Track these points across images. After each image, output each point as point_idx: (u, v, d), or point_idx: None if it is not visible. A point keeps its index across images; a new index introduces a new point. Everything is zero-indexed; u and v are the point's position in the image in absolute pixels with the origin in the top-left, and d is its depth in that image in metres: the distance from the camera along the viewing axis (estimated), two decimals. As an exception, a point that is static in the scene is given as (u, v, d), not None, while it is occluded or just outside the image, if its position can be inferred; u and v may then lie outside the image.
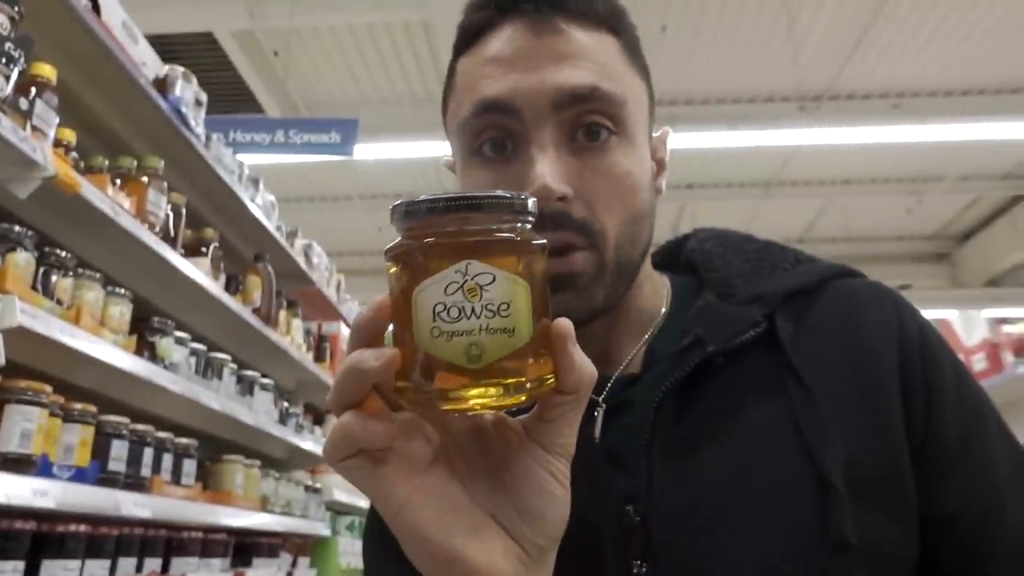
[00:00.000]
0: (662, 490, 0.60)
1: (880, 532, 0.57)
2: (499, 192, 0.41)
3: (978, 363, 5.58)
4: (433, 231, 0.41)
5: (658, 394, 0.62)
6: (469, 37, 0.67)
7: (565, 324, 0.42)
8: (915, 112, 6.52)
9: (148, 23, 5.40)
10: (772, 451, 0.60)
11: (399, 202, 0.42)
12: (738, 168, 8.26)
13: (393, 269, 0.42)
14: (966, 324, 6.66)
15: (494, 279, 0.40)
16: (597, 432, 0.64)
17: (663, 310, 0.71)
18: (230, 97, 7.10)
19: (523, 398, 0.42)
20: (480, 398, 0.41)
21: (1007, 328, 5.35)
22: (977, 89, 7.01)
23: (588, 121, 0.62)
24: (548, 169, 0.59)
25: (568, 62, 0.62)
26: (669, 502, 0.59)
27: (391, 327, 0.43)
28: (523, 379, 0.41)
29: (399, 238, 0.43)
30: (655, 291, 0.72)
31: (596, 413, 0.65)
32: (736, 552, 0.57)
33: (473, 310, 0.39)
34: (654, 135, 0.71)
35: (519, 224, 0.42)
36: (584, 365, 0.43)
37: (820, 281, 0.68)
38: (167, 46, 6.41)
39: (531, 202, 0.42)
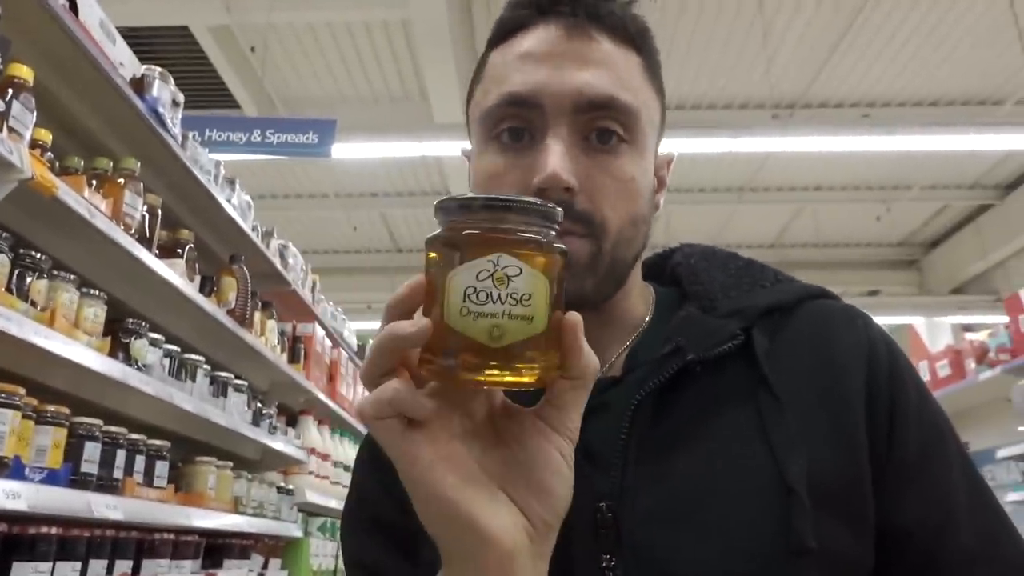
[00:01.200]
0: (634, 489, 0.62)
1: (839, 539, 0.60)
2: (532, 199, 0.47)
3: (942, 369, 5.72)
4: (472, 225, 0.46)
5: (636, 397, 0.65)
6: (506, 32, 0.71)
7: (576, 316, 0.47)
8: (885, 122, 6.67)
9: (123, 16, 5.36)
10: (741, 457, 0.63)
11: (445, 197, 0.47)
12: (712, 173, 8.37)
13: (432, 255, 0.47)
14: (931, 331, 6.82)
15: (520, 272, 0.45)
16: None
17: (647, 318, 0.74)
18: (205, 92, 7.04)
19: (532, 379, 0.47)
20: (496, 374, 0.46)
21: (970, 335, 5.50)
22: (945, 100, 7.19)
23: (602, 126, 0.66)
24: (558, 160, 0.63)
25: (592, 68, 0.66)
26: (640, 501, 0.62)
27: (420, 308, 0.48)
28: (535, 363, 0.46)
29: (440, 229, 0.48)
30: (642, 299, 0.76)
31: None
32: (701, 551, 0.59)
33: (499, 296, 0.45)
34: (660, 154, 0.75)
35: (546, 229, 0.47)
36: (590, 354, 0.48)
37: (797, 300, 0.71)
38: (142, 40, 6.35)
39: (559, 212, 0.48)
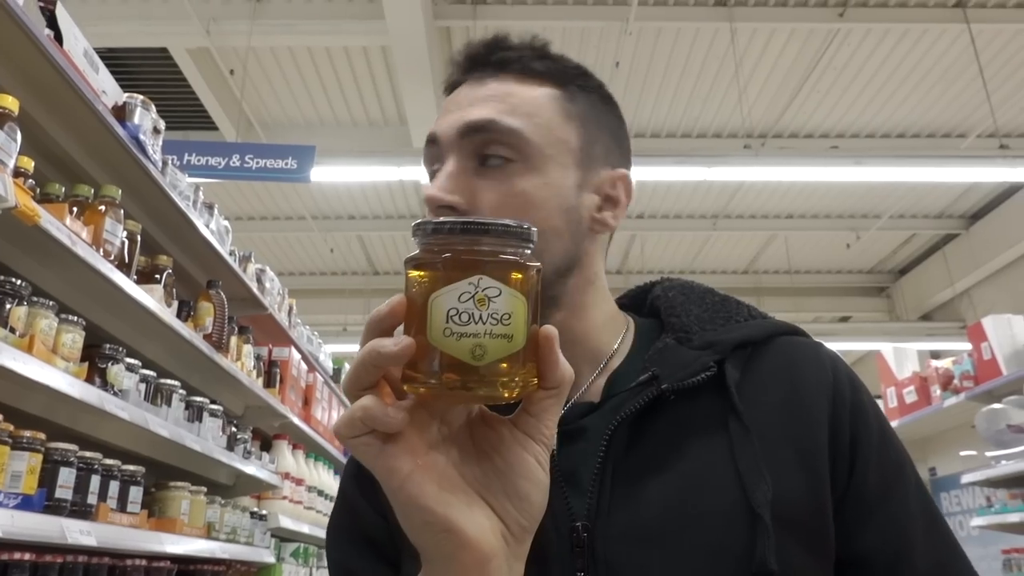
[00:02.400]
0: (609, 510, 0.66)
1: (800, 563, 0.64)
2: (508, 221, 0.50)
3: (908, 395, 5.84)
4: (452, 248, 0.49)
5: (613, 423, 0.68)
6: (446, 92, 0.82)
7: (551, 330, 0.51)
8: (853, 152, 6.84)
9: (103, 38, 5.38)
10: (711, 483, 0.66)
11: (424, 220, 0.50)
12: (687, 200, 8.51)
13: (413, 275, 0.50)
14: (898, 358, 6.96)
15: (500, 292, 0.48)
16: (555, 454, 0.70)
17: (616, 345, 0.78)
18: (184, 114, 7.05)
19: (513, 394, 0.50)
20: (478, 390, 0.48)
21: (935, 363, 5.63)
22: (911, 133, 7.39)
23: (489, 150, 0.73)
24: (439, 183, 0.71)
25: (480, 103, 0.74)
26: (614, 522, 0.66)
27: (402, 325, 0.51)
28: (515, 378, 0.49)
29: (419, 250, 0.50)
30: (612, 326, 0.79)
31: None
32: (670, 570, 0.63)
33: (480, 316, 0.47)
34: (606, 172, 0.78)
35: (521, 249, 0.50)
36: (565, 365, 0.52)
37: (768, 336, 0.75)
38: (121, 62, 6.35)
39: (534, 231, 0.51)
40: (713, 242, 9.56)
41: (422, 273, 0.49)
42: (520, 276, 0.49)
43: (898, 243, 9.78)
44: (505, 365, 0.48)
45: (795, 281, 10.26)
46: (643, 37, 6.11)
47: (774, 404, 0.70)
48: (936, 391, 5.37)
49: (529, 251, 0.51)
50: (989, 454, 4.35)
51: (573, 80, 0.78)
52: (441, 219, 0.50)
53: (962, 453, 5.75)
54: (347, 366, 5.53)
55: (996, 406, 4.30)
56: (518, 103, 0.74)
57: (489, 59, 0.77)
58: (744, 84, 6.52)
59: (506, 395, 0.49)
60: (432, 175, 0.76)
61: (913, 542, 0.68)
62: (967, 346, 5.02)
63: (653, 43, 6.20)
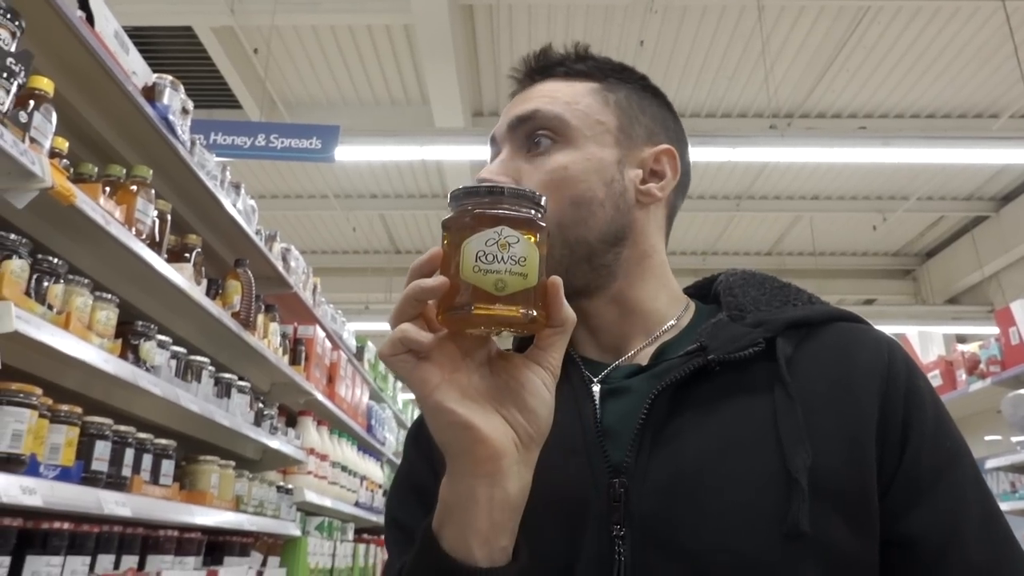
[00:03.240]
0: (646, 469, 0.69)
1: (835, 532, 0.64)
2: (521, 187, 0.64)
3: (933, 380, 5.79)
4: (481, 204, 0.61)
5: (658, 387, 0.71)
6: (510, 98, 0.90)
7: (557, 279, 0.61)
8: (881, 133, 6.72)
9: (127, 17, 5.42)
10: (750, 446, 0.68)
11: (457, 188, 0.62)
12: (710, 181, 8.44)
13: (448, 229, 0.62)
14: (923, 342, 6.89)
15: (518, 240, 0.60)
16: (599, 412, 0.75)
17: (673, 321, 0.81)
18: (208, 93, 7.10)
19: (525, 318, 0.59)
20: (500, 313, 0.59)
21: (961, 347, 5.57)
22: (941, 113, 7.26)
23: (534, 135, 0.82)
24: (492, 166, 0.82)
25: (527, 102, 0.84)
26: (651, 479, 0.68)
27: (438, 271, 0.61)
28: (529, 310, 0.59)
29: (454, 212, 0.62)
30: (671, 303, 0.83)
31: (597, 394, 0.77)
32: (703, 528, 0.65)
33: (502, 257, 0.59)
34: (650, 149, 0.85)
35: (535, 210, 0.62)
36: (567, 307, 0.62)
37: (825, 319, 0.76)
38: (146, 40, 6.40)
39: (542, 197, 0.63)
40: (736, 223, 9.48)
41: (457, 225, 0.61)
42: (533, 230, 0.61)
43: (925, 225, 9.64)
44: (521, 297, 0.59)
45: (819, 263, 10.16)
46: (668, 15, 6.04)
47: (824, 382, 0.71)
48: (962, 375, 5.32)
49: (541, 213, 0.62)
50: (1015, 439, 4.31)
51: (611, 74, 0.87)
52: (471, 185, 0.62)
53: (987, 438, 5.71)
54: (370, 345, 5.59)
55: (1023, 391, 4.26)
56: (560, 96, 0.83)
57: (537, 67, 0.87)
58: (771, 63, 6.43)
59: (520, 319, 0.59)
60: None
61: (966, 531, 0.67)
62: (994, 330, 4.96)
63: (679, 21, 6.12)
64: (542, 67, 0.87)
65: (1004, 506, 4.47)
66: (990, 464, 4.58)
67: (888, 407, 0.70)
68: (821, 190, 8.72)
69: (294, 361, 3.59)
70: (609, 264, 0.80)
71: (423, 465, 0.81)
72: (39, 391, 1.65)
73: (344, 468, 4.28)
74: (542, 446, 0.65)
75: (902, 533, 0.67)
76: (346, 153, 5.37)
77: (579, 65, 0.86)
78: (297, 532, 3.42)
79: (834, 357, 0.73)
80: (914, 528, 0.67)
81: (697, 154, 6.32)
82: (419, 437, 0.84)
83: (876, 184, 8.50)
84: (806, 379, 0.71)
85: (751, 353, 0.71)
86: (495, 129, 0.86)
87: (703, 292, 0.90)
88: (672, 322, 0.81)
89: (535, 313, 0.60)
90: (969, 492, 0.69)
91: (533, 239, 0.60)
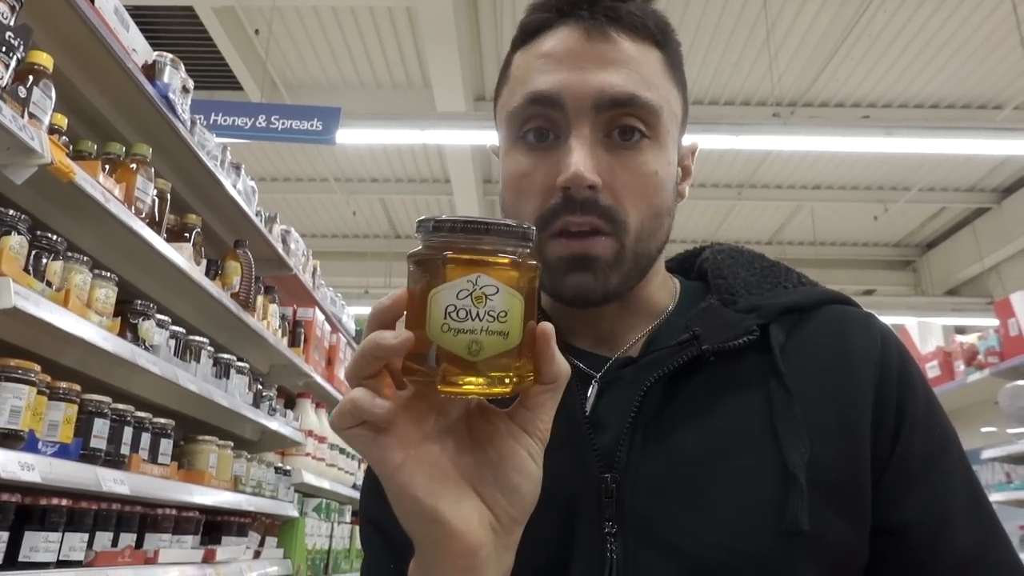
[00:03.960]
0: (638, 464, 0.66)
1: (832, 528, 0.63)
2: (507, 220, 0.51)
3: (931, 370, 5.80)
4: (453, 246, 0.50)
5: (650, 379, 0.68)
6: (528, 34, 0.75)
7: (548, 327, 0.51)
8: (884, 123, 6.70)
9: (130, -3, 5.37)
10: (745, 441, 0.65)
11: (427, 218, 0.51)
12: (712, 169, 8.42)
13: (415, 270, 0.51)
14: (922, 332, 6.89)
15: (497, 291, 0.49)
16: (589, 406, 0.70)
17: (670, 307, 0.77)
18: (208, 73, 7.06)
19: (507, 390, 0.50)
20: (474, 385, 0.50)
21: (960, 338, 5.58)
22: (945, 103, 7.22)
23: (624, 123, 0.69)
24: (582, 159, 0.67)
25: (613, 68, 0.69)
26: (643, 475, 0.65)
27: (404, 317, 0.52)
28: (510, 373, 0.50)
29: (422, 246, 0.51)
30: (664, 288, 0.79)
31: (591, 388, 0.72)
32: (698, 525, 0.63)
33: (478, 313, 0.49)
34: (684, 144, 0.78)
35: (521, 248, 0.51)
36: (561, 361, 0.52)
37: (817, 302, 0.74)
38: (147, 19, 6.36)
39: (532, 231, 0.52)
40: (738, 211, 9.47)
41: (423, 269, 0.50)
42: (518, 275, 0.50)
43: (926, 216, 9.62)
44: (501, 361, 0.49)
45: (820, 253, 10.15)
46: (673, 1, 6.00)
47: (818, 370, 0.69)
48: (960, 366, 5.34)
49: (528, 250, 0.52)
50: (1011, 431, 4.32)
51: (671, 38, 0.75)
52: (444, 217, 0.51)
53: (983, 429, 5.73)
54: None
55: (1020, 383, 4.27)
56: (647, 74, 0.71)
57: (598, 5, 0.71)
58: (775, 51, 6.39)
59: (500, 390, 0.50)
60: (539, 134, 0.71)
61: (954, 517, 0.66)
62: (993, 322, 4.97)
63: (683, 7, 6.08)
64: (608, 9, 0.71)
65: (999, 496, 4.49)
66: (986, 454, 4.60)
67: (882, 395, 0.68)
68: (823, 179, 8.69)
69: (293, 343, 3.59)
70: (645, 269, 0.74)
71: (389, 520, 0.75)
72: (37, 367, 1.65)
73: (342, 450, 4.30)
74: None
75: (893, 521, 0.66)
76: (347, 136, 5.35)
77: (649, 20, 0.73)
78: (295, 513, 3.44)
79: (827, 343, 0.71)
80: (906, 516, 0.66)
81: (699, 141, 6.25)
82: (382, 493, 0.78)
83: (878, 174, 8.48)
84: (800, 368, 0.68)
85: (746, 341, 0.68)
86: (561, 87, 0.69)
87: (684, 266, 0.87)
88: (670, 307, 0.78)
89: (518, 375, 0.51)
90: (957, 478, 0.69)
91: (516, 286, 0.50)
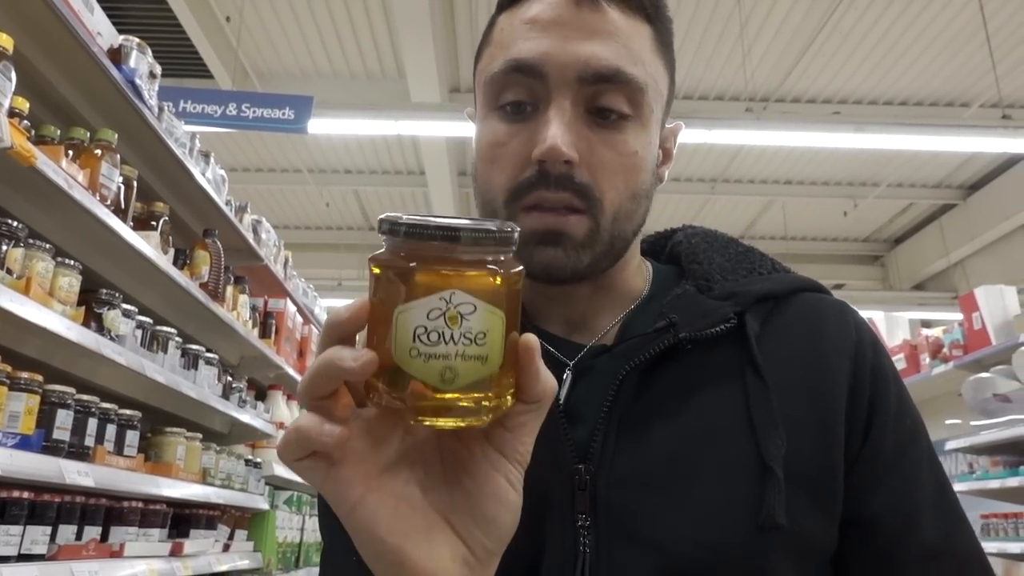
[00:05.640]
0: (612, 455, 0.64)
1: (807, 520, 0.63)
2: (486, 224, 0.43)
3: (898, 363, 5.90)
4: (422, 255, 0.42)
5: (625, 368, 0.66)
6: None
7: (532, 340, 0.45)
8: (855, 119, 6.78)
9: (97, -19, 5.25)
10: (722, 433, 0.64)
11: (390, 217, 0.43)
12: (685, 163, 8.47)
13: (378, 273, 0.43)
14: (889, 325, 7.01)
15: (475, 309, 0.42)
16: (563, 395, 0.68)
17: (644, 292, 0.75)
18: (178, 61, 6.94)
19: (485, 420, 0.44)
20: (446, 418, 0.43)
21: (926, 331, 5.67)
22: (914, 101, 7.34)
23: (606, 99, 0.66)
24: (560, 133, 0.63)
25: (600, 39, 0.65)
26: (617, 466, 0.64)
27: (365, 330, 0.44)
28: (489, 403, 0.43)
29: (386, 250, 0.44)
30: (639, 273, 0.77)
31: (565, 377, 0.69)
32: (673, 518, 0.61)
33: (452, 336, 0.41)
34: (667, 126, 0.75)
35: (502, 255, 0.44)
36: (547, 377, 0.46)
37: (792, 290, 0.73)
38: (116, 4, 6.23)
39: (516, 233, 0.44)
40: (711, 206, 9.54)
41: (388, 280, 0.43)
42: (498, 287, 0.43)
43: (895, 212, 9.78)
44: (478, 388, 0.43)
45: (791, 247, 10.28)
46: (648, -6, 6.01)
47: (793, 359, 0.68)
48: (925, 359, 5.42)
49: (511, 253, 0.44)
50: (974, 423, 4.41)
51: (663, 13, 0.72)
52: (413, 219, 0.42)
53: (948, 421, 5.84)
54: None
55: (983, 375, 4.35)
56: (636, 48, 0.67)
57: None
58: (748, 47, 6.44)
59: (476, 423, 0.44)
60: (517, 107, 0.68)
61: (921, 509, 0.67)
62: (958, 316, 5.06)
63: None
64: None
65: (962, 486, 4.59)
66: (950, 445, 4.68)
67: (857, 386, 0.68)
68: (794, 175, 8.80)
69: (264, 334, 3.55)
70: (620, 252, 0.71)
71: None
72: (-3, 357, 1.61)
73: (314, 443, 4.26)
74: None
75: (864, 511, 0.66)
76: (320, 126, 5.29)
77: (645, 1, 0.70)
78: (265, 506, 3.40)
79: (802, 333, 0.70)
80: (876, 507, 0.66)
81: (673, 135, 6.34)
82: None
83: (848, 170, 8.60)
84: (776, 357, 0.68)
85: (723, 329, 0.67)
86: (543, 56, 0.65)
87: (656, 248, 0.85)
88: (644, 291, 0.76)
89: (497, 402, 0.44)
90: (924, 471, 0.69)
91: (497, 301, 0.43)
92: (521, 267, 0.45)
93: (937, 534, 0.66)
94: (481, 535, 0.48)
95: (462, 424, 0.44)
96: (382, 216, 0.43)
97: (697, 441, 0.64)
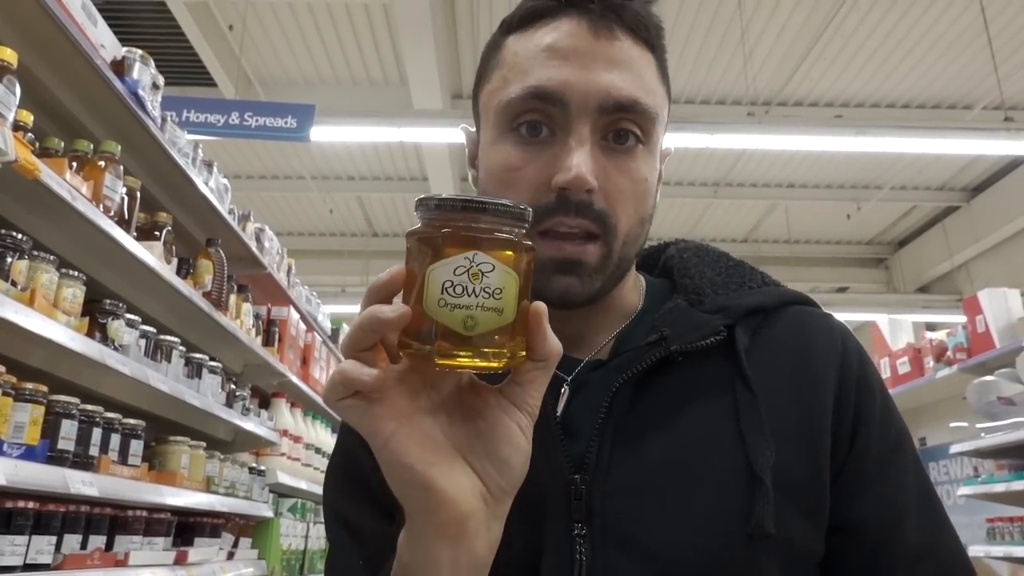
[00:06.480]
0: (607, 465, 0.66)
1: (796, 528, 0.65)
2: (505, 201, 0.52)
3: (902, 366, 5.89)
4: (451, 223, 0.51)
5: (618, 380, 0.68)
6: (526, 20, 0.73)
7: (541, 306, 0.52)
8: (857, 122, 6.78)
9: (100, -9, 5.28)
10: (713, 444, 0.66)
11: (427, 196, 0.52)
12: (688, 167, 8.47)
13: (413, 246, 0.52)
14: (893, 329, 6.99)
15: (493, 268, 0.50)
16: (560, 408, 0.71)
17: (638, 306, 0.78)
18: (182, 70, 6.97)
19: (500, 364, 0.51)
20: (467, 359, 0.51)
21: (930, 334, 5.66)
22: (916, 103, 7.33)
23: (622, 127, 0.69)
24: (584, 161, 0.66)
25: (618, 70, 0.68)
26: (612, 477, 0.66)
27: (400, 293, 0.53)
28: (503, 349, 0.51)
29: (420, 224, 0.52)
30: (635, 289, 0.79)
31: (562, 391, 0.72)
32: (666, 526, 0.64)
33: (474, 290, 0.50)
34: (662, 148, 0.78)
35: (517, 228, 0.52)
36: (553, 339, 0.53)
37: (780, 303, 0.75)
38: (119, 14, 6.27)
39: (529, 212, 0.53)
40: (713, 210, 9.54)
41: (422, 246, 0.51)
42: (513, 254, 0.51)
43: (898, 215, 9.76)
44: (495, 337, 0.50)
45: (794, 251, 10.27)
46: None
47: (782, 371, 0.71)
48: (929, 362, 5.41)
49: (524, 231, 0.52)
50: (979, 426, 4.40)
51: (663, 42, 0.75)
52: (443, 196, 0.51)
53: (952, 424, 5.82)
54: (345, 327, 5.56)
55: (987, 378, 4.34)
56: (647, 79, 0.71)
57: (615, 6, 0.70)
58: (750, 50, 6.45)
59: (495, 364, 0.51)
60: (532, 127, 0.69)
61: (906, 514, 0.69)
62: (962, 319, 5.05)
63: (659, 5, 6.09)
64: (613, 6, 0.70)
65: (967, 490, 4.57)
66: (954, 449, 4.67)
67: (843, 397, 0.70)
68: (797, 178, 8.79)
69: (267, 342, 3.56)
70: (624, 273, 0.74)
71: (367, 457, 0.72)
72: (2, 369, 1.63)
73: (318, 450, 4.27)
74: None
75: (849, 519, 0.68)
76: (322, 133, 5.31)
77: (649, 23, 0.72)
78: (269, 513, 3.41)
79: (791, 346, 0.73)
80: (862, 513, 0.68)
81: (675, 140, 6.34)
82: (352, 481, 0.75)
83: (851, 173, 8.59)
84: (764, 369, 0.70)
85: (713, 342, 0.70)
86: (564, 85, 0.67)
87: (648, 261, 0.87)
88: (639, 306, 0.79)
89: (511, 352, 0.52)
90: (909, 477, 0.71)
91: (512, 265, 0.51)
92: (531, 244, 0.53)
93: (922, 538, 0.68)
94: (495, 473, 0.54)
95: (480, 364, 0.51)
96: (419, 197, 0.53)
97: (689, 451, 0.67)
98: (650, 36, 0.72)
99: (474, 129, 0.81)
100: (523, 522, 0.64)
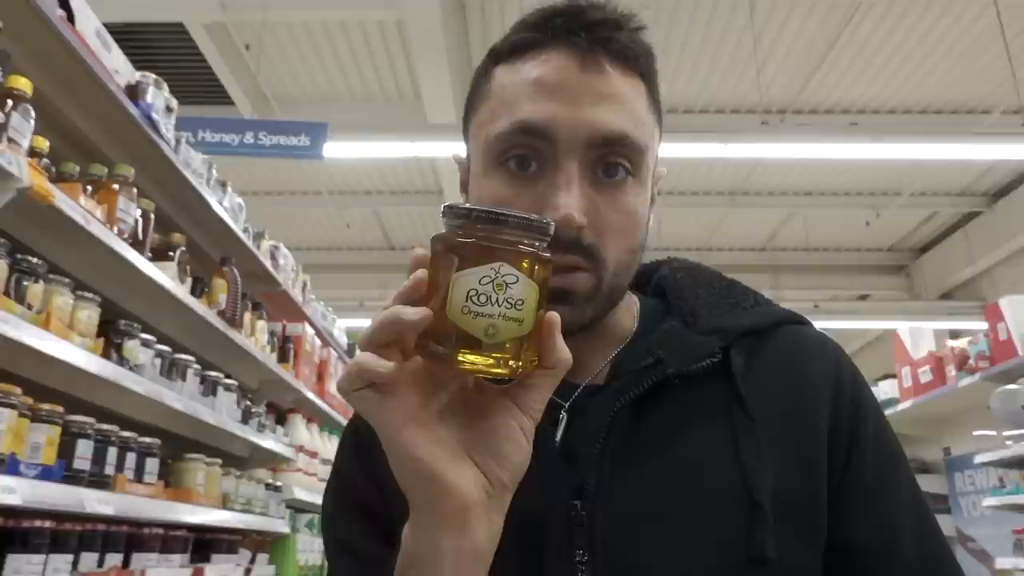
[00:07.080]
0: (608, 491, 0.66)
1: (795, 552, 0.65)
2: (530, 215, 0.54)
3: (923, 375, 5.80)
4: (478, 234, 0.53)
5: (616, 405, 0.69)
6: (514, 51, 0.73)
7: (555, 317, 0.55)
8: (873, 129, 6.72)
9: (118, 12, 5.40)
10: (712, 469, 0.67)
11: (454, 204, 0.55)
12: (703, 177, 8.44)
13: (439, 252, 0.54)
14: (914, 337, 6.89)
15: (517, 280, 0.52)
16: (559, 434, 0.71)
17: (633, 329, 0.78)
18: (199, 89, 7.08)
19: (514, 372, 0.54)
20: (483, 364, 0.53)
21: (951, 343, 5.58)
22: (933, 109, 7.26)
23: (611, 161, 0.69)
24: (574, 202, 0.66)
25: (606, 104, 0.68)
26: (613, 503, 0.66)
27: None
28: (519, 359, 0.54)
29: (448, 231, 0.54)
30: (628, 311, 0.80)
31: (561, 417, 0.71)
32: (667, 552, 0.64)
33: (497, 300, 0.52)
34: (656, 171, 0.78)
35: (539, 242, 0.54)
36: (564, 349, 0.56)
37: (774, 324, 0.76)
38: (137, 37, 6.38)
39: (552, 227, 0.55)
40: (731, 219, 9.48)
41: (449, 253, 0.53)
42: (536, 267, 0.53)
43: (918, 221, 9.65)
44: (511, 345, 0.53)
45: (813, 259, 10.17)
46: (660, 10, 6.03)
47: (777, 393, 0.71)
48: (951, 371, 5.33)
49: (546, 244, 0.55)
50: (1005, 434, 4.32)
51: (654, 68, 0.75)
52: (469, 206, 0.53)
53: (976, 433, 5.72)
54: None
55: (1011, 387, 4.27)
56: (637, 111, 0.71)
57: (592, 32, 0.70)
58: (763, 59, 6.43)
59: (508, 372, 0.54)
60: (521, 161, 0.69)
61: (903, 532, 0.69)
62: (985, 326, 4.97)
63: (670, 15, 6.12)
64: (602, 38, 0.70)
65: (993, 500, 4.49)
66: (979, 459, 4.59)
67: (838, 418, 0.71)
68: (814, 186, 8.72)
69: (283, 359, 3.59)
70: (616, 299, 0.74)
71: (367, 483, 0.75)
72: (19, 390, 1.66)
73: (335, 465, 4.29)
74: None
75: (845, 539, 0.68)
76: (338, 150, 5.36)
77: (638, 52, 0.72)
78: (286, 529, 3.43)
79: (786, 367, 0.73)
80: (858, 534, 0.68)
81: (689, 150, 6.31)
82: (359, 450, 0.77)
83: (869, 180, 8.51)
84: (760, 391, 0.70)
85: (709, 364, 0.70)
86: (552, 121, 0.67)
87: (641, 280, 0.86)
88: (634, 328, 0.79)
89: (524, 361, 0.54)
90: (904, 495, 0.71)
91: (534, 277, 0.53)
92: (550, 256, 0.55)
93: (918, 557, 0.68)
94: (497, 468, 0.57)
95: (495, 370, 0.53)
96: (446, 204, 0.55)
97: (688, 476, 0.67)
98: (639, 64, 0.72)
99: (465, 156, 0.81)
100: (524, 547, 0.65)
